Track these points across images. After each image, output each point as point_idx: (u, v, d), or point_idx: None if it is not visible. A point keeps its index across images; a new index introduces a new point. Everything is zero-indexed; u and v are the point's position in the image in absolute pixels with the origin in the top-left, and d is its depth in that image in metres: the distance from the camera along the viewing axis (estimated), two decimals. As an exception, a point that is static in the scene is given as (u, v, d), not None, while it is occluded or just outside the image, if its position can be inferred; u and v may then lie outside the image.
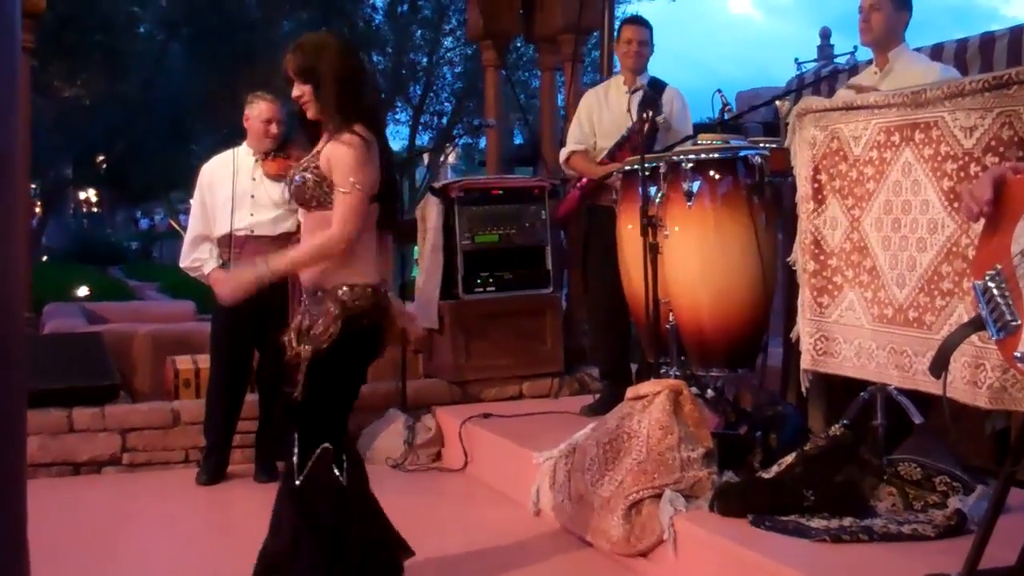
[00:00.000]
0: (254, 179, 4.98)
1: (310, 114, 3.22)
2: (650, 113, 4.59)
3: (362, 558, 3.16)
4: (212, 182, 5.04)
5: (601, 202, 5.20)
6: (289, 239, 4.88)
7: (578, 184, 5.32)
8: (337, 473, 3.14)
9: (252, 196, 4.95)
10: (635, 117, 5.08)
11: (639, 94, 5.22)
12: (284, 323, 4.72)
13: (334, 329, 3.10)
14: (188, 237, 5.13)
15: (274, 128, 4.99)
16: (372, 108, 3.39)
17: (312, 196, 3.17)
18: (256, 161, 4.99)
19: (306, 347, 3.16)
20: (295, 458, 3.16)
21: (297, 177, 3.20)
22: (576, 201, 5.32)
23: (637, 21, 5.43)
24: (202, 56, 19.71)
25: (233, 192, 4.94)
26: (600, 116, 5.32)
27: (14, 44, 1.46)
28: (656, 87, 5.22)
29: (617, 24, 6.03)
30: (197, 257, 5.03)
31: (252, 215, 4.94)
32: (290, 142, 5.01)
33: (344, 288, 3.14)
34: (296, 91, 3.20)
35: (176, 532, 4.44)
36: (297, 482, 3.14)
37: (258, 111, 5.02)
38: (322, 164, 3.15)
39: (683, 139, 4.72)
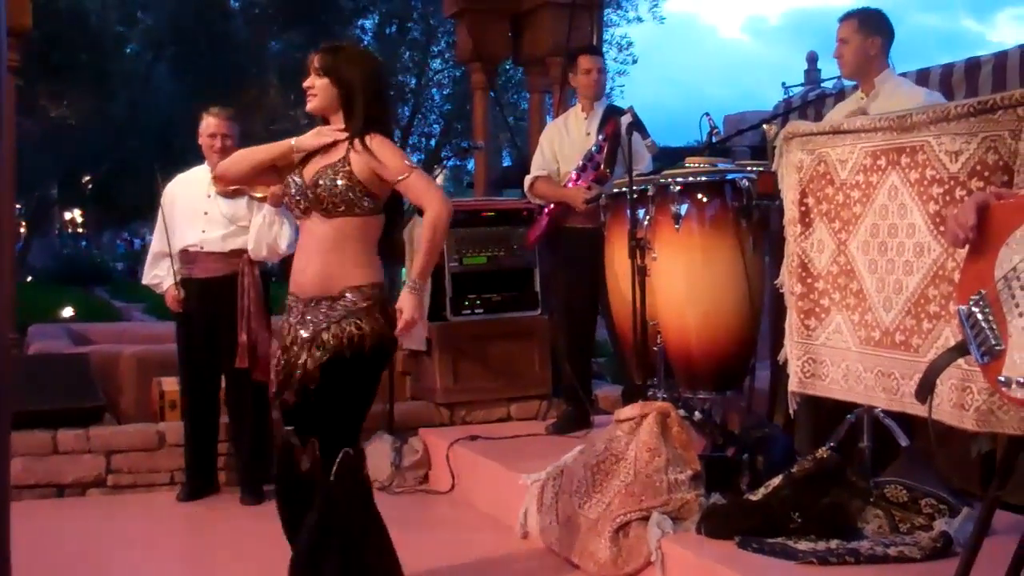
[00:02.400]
0: (208, 196, 4.99)
1: (310, 106, 3.28)
2: (619, 119, 4.64)
3: (380, 561, 3.23)
4: (173, 200, 5.10)
5: (568, 224, 5.28)
6: (240, 256, 4.91)
7: (545, 209, 5.37)
8: (364, 475, 3.25)
9: (205, 212, 4.99)
10: (596, 137, 5.17)
11: (598, 116, 5.32)
12: (235, 339, 4.80)
13: (352, 329, 3.13)
14: (150, 254, 5.26)
15: (218, 143, 4.98)
16: (389, 119, 3.48)
17: (342, 200, 3.17)
18: (211, 178, 5.00)
19: (316, 354, 3.15)
20: (319, 460, 3.16)
21: (325, 182, 3.18)
22: (545, 226, 5.37)
23: (593, 50, 5.66)
24: (189, 76, 19.72)
25: (181, 208, 5.01)
26: (561, 144, 5.42)
27: None
28: (614, 111, 5.27)
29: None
30: (157, 274, 5.17)
31: (203, 232, 4.97)
32: None
33: (350, 293, 3.17)
34: (308, 81, 3.25)
35: (161, 554, 4.41)
36: (328, 484, 3.16)
37: (204, 126, 5.04)
38: (355, 169, 3.17)
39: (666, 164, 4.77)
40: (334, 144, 3.24)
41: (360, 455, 3.26)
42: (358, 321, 3.14)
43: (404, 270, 6.22)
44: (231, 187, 4.80)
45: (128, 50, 21.00)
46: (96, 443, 5.22)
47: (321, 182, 3.19)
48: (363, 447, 3.36)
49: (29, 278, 19.47)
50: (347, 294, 3.16)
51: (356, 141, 3.19)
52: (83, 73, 17.77)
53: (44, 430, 5.14)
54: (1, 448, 1.48)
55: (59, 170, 21.95)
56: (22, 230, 22.61)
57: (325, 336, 3.14)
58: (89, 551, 4.37)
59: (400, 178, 3.19)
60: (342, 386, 3.17)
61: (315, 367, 3.15)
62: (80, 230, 36.12)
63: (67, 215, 33.73)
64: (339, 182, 3.17)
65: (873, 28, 4.11)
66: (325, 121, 3.31)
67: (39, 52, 14.24)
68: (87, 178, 23.45)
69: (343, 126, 3.25)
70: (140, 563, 4.29)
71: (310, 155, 3.30)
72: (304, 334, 3.18)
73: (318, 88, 3.23)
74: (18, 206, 19.79)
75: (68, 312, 11.32)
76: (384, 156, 3.18)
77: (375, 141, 3.18)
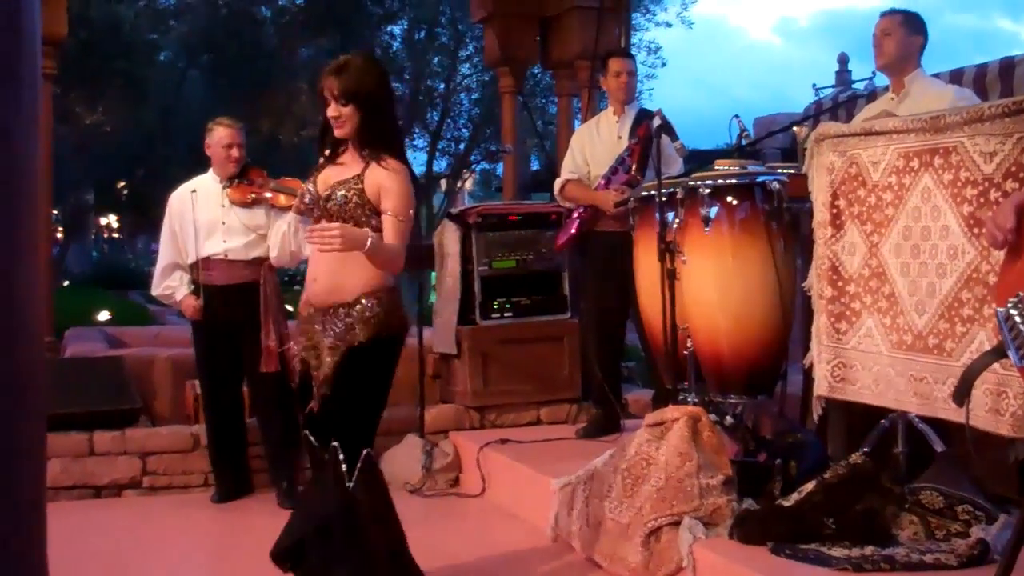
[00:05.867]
0: (223, 206, 5.03)
1: (341, 133, 3.29)
2: (652, 122, 4.63)
3: (392, 559, 3.29)
4: (182, 211, 5.11)
5: (598, 228, 5.28)
6: (261, 264, 4.95)
7: (575, 213, 5.37)
8: (381, 475, 3.35)
9: (223, 223, 5.02)
10: (628, 140, 5.18)
11: (629, 120, 5.32)
12: (259, 344, 4.84)
13: (373, 331, 3.20)
14: (159, 266, 5.24)
15: (235, 152, 5.04)
16: (399, 131, 3.50)
17: (351, 216, 3.23)
18: (223, 188, 5.03)
19: (334, 359, 3.22)
20: (343, 464, 3.22)
21: (338, 195, 3.25)
22: (574, 229, 5.36)
23: (623, 53, 5.66)
24: (221, 83, 19.88)
25: (195, 220, 5.01)
26: (592, 147, 5.42)
27: (36, 71, 1.47)
28: (646, 115, 5.26)
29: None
30: (169, 284, 5.15)
31: (225, 241, 5.01)
32: (250, 167, 5.08)
33: (364, 299, 3.22)
34: (333, 111, 3.26)
35: (195, 555, 4.45)
36: (349, 485, 3.22)
37: (218, 137, 5.07)
38: (367, 188, 3.23)
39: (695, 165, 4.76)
40: (351, 159, 3.31)
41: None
42: (370, 322, 3.21)
43: (433, 274, 6.24)
44: (249, 197, 4.88)
45: (161, 57, 21.19)
46: (131, 445, 5.28)
47: (333, 197, 3.26)
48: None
49: (66, 282, 19.68)
50: (362, 300, 3.23)
51: (374, 163, 3.24)
52: (117, 80, 17.94)
53: (80, 432, 5.21)
54: (38, 450, 1.50)
55: (94, 176, 22.19)
56: (59, 235, 22.89)
57: (340, 342, 3.22)
58: (124, 552, 4.41)
59: (389, 214, 3.22)
60: (354, 384, 3.24)
61: (331, 371, 3.23)
62: (115, 235, 36.47)
63: (103, 220, 34.07)
64: (351, 200, 3.24)
65: (916, 27, 4.15)
66: (339, 140, 3.34)
67: (74, 60, 14.39)
68: (122, 184, 23.67)
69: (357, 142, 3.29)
70: (175, 563, 4.32)
71: (325, 163, 3.38)
72: (327, 342, 3.25)
73: (345, 116, 3.25)
74: (54, 212, 20.01)
75: (104, 316, 11.42)
76: (390, 190, 3.23)
77: (391, 164, 3.24)
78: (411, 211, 3.26)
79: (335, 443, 3.24)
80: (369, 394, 3.30)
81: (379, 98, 3.27)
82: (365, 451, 3.25)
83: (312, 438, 3.33)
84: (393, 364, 3.36)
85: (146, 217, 25.34)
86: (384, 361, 3.30)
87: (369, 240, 3.14)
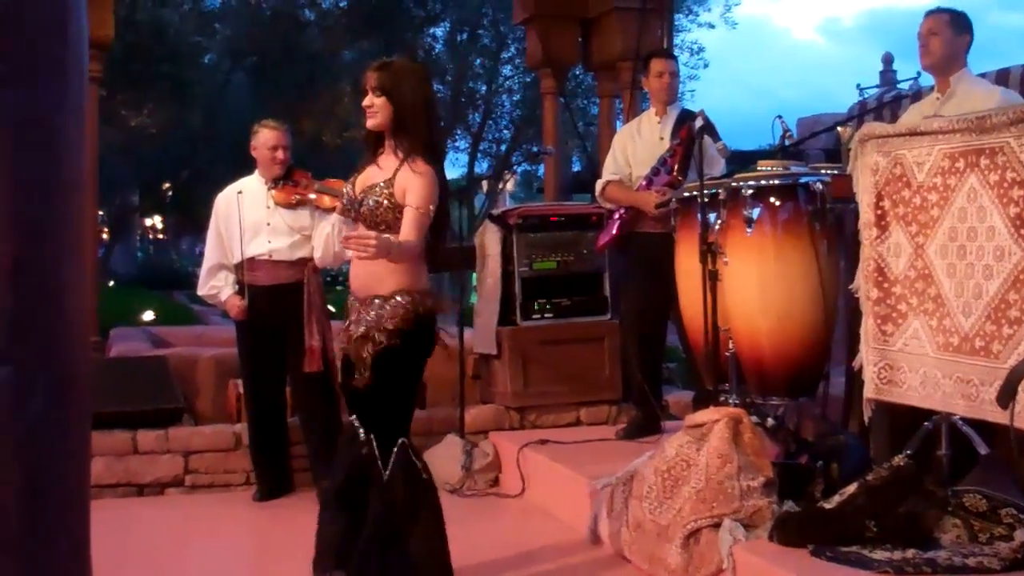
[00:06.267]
0: (268, 207, 5.07)
1: (371, 123, 3.38)
2: (694, 123, 4.60)
3: (425, 551, 3.35)
4: (228, 212, 5.15)
5: (639, 229, 5.26)
6: (305, 264, 5.00)
7: (616, 214, 5.35)
8: (420, 465, 3.40)
9: (268, 224, 5.07)
10: (670, 141, 5.17)
11: (671, 121, 5.31)
12: (302, 344, 4.89)
13: (403, 324, 3.28)
14: (205, 266, 5.28)
15: (280, 154, 5.08)
16: (439, 138, 3.58)
17: (383, 220, 3.33)
18: (268, 190, 5.08)
19: (370, 348, 3.30)
20: (376, 455, 3.34)
21: (371, 201, 3.34)
22: (615, 230, 5.35)
23: (666, 54, 5.66)
24: (265, 85, 20.05)
25: (241, 220, 5.05)
26: (634, 148, 5.40)
27: (83, 74, 1.49)
28: (688, 116, 5.23)
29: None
30: (214, 285, 5.19)
31: (270, 242, 5.05)
32: (294, 168, 5.12)
33: (399, 294, 3.31)
34: (367, 101, 3.37)
35: (236, 554, 4.49)
36: (385, 477, 3.33)
37: (264, 139, 5.11)
38: (396, 192, 3.32)
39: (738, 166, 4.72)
40: (387, 159, 3.39)
41: (413, 446, 3.42)
42: (401, 318, 3.29)
43: (474, 275, 6.26)
44: (294, 199, 4.93)
45: (206, 60, 21.41)
46: (175, 444, 5.34)
47: (366, 200, 3.36)
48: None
49: (111, 283, 19.91)
50: (397, 296, 3.31)
51: (405, 165, 3.32)
52: (162, 83, 18.14)
53: (124, 431, 5.27)
54: (82, 448, 1.52)
55: (139, 178, 22.47)
56: (104, 236, 23.18)
57: (377, 335, 3.29)
58: (166, 550, 4.46)
59: (410, 205, 3.28)
60: (390, 375, 3.33)
61: (369, 361, 3.31)
62: (160, 236, 36.91)
63: (147, 222, 34.49)
64: (382, 203, 3.33)
65: (963, 26, 4.10)
66: (380, 138, 3.43)
67: (120, 63, 14.58)
68: (167, 185, 23.95)
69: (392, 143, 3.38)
70: (216, 562, 4.36)
71: (366, 163, 3.47)
72: (361, 330, 3.33)
73: (377, 107, 3.36)
74: (100, 213, 20.31)
75: (148, 316, 11.54)
76: (413, 188, 3.29)
77: (418, 166, 3.31)
78: (432, 205, 3.30)
79: (371, 435, 3.36)
80: (404, 382, 3.41)
81: (415, 96, 3.35)
82: (400, 441, 3.36)
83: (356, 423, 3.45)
84: (426, 353, 3.44)
85: (190, 218, 25.65)
86: (414, 352, 3.38)
87: (391, 248, 3.22)
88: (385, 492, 3.33)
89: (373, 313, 3.31)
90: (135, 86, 17.67)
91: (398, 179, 3.31)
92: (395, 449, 3.35)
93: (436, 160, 3.39)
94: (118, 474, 5.22)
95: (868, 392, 3.66)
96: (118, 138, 18.55)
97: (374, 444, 3.36)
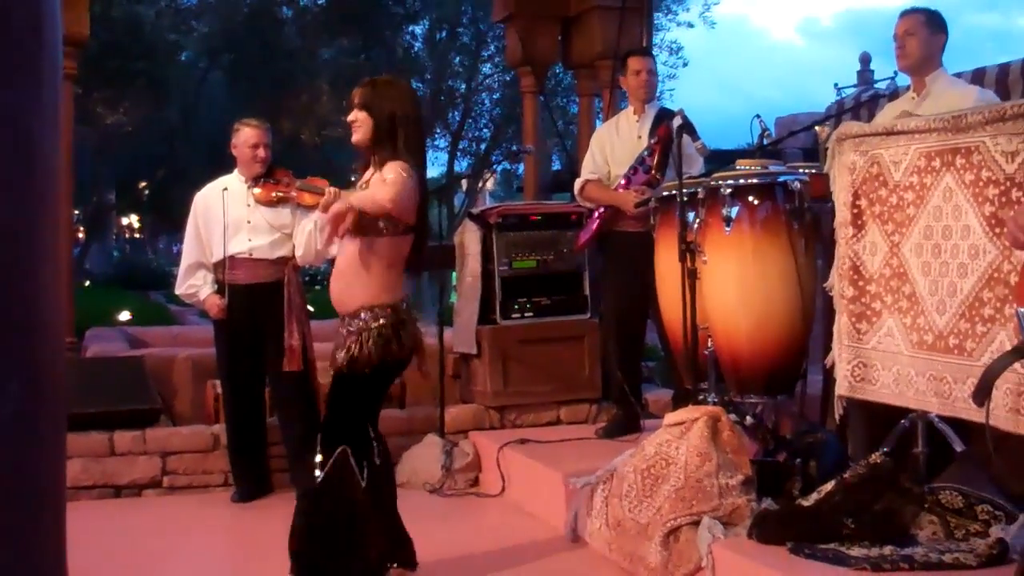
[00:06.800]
0: (248, 205, 5.05)
1: (355, 138, 3.48)
2: (673, 122, 4.61)
3: (363, 561, 3.42)
4: (207, 210, 5.12)
5: (618, 228, 5.27)
6: (285, 263, 4.98)
7: (596, 213, 5.36)
8: (358, 474, 3.42)
9: (248, 222, 5.04)
10: (648, 140, 5.18)
11: (649, 119, 5.32)
12: (281, 343, 4.89)
13: (355, 350, 3.36)
14: (183, 264, 5.25)
15: (261, 152, 5.06)
16: (419, 151, 3.57)
17: (361, 223, 3.36)
18: (248, 188, 5.05)
19: (335, 369, 3.45)
20: (318, 458, 3.42)
21: None
22: (595, 229, 5.36)
23: (643, 52, 5.68)
24: (242, 83, 19.97)
25: (224, 219, 5.02)
26: (613, 147, 5.41)
27: (57, 72, 1.48)
28: (666, 114, 5.24)
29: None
30: (192, 283, 5.15)
31: (250, 240, 5.02)
32: (275, 166, 5.10)
33: (363, 311, 3.38)
34: (351, 116, 3.47)
35: (215, 555, 4.46)
36: (317, 479, 3.41)
37: (245, 137, 5.09)
38: None
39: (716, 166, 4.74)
40: (371, 173, 3.49)
41: (362, 455, 3.46)
42: (364, 341, 3.36)
43: (454, 274, 6.25)
44: (274, 196, 4.91)
45: (182, 58, 21.30)
46: (152, 445, 5.30)
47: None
48: (389, 456, 3.65)
49: (87, 282, 19.77)
50: (361, 313, 3.38)
51: (379, 172, 3.40)
52: (138, 81, 18.06)
53: (101, 432, 5.23)
54: (58, 449, 1.51)
55: (115, 176, 22.36)
56: (80, 235, 23.04)
57: (339, 354, 3.40)
58: (144, 551, 4.43)
59: (387, 177, 3.34)
60: (342, 398, 3.46)
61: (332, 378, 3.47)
62: (136, 235, 36.71)
63: (124, 220, 34.30)
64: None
65: (938, 25, 4.12)
66: (368, 152, 3.51)
67: (95, 60, 14.48)
68: (143, 184, 23.83)
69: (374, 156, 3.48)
70: (194, 563, 4.34)
71: (359, 182, 3.60)
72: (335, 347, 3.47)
73: (360, 121, 3.45)
74: (76, 212, 20.16)
75: (125, 316, 11.46)
76: (380, 185, 3.34)
77: (389, 166, 3.37)
78: (392, 204, 3.30)
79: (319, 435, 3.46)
80: (356, 404, 3.49)
81: (395, 112, 3.42)
82: (341, 448, 3.40)
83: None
84: (386, 381, 3.59)
85: (167, 217, 25.55)
86: (374, 379, 3.48)
87: (358, 201, 3.33)
88: (313, 493, 3.43)
89: (344, 331, 3.41)
90: (111, 84, 17.59)
91: (371, 187, 3.39)
92: (335, 454, 3.40)
93: (415, 173, 3.41)
94: (95, 475, 5.18)
95: (840, 390, 3.69)
96: (93, 136, 18.46)
97: (316, 448, 3.45)
